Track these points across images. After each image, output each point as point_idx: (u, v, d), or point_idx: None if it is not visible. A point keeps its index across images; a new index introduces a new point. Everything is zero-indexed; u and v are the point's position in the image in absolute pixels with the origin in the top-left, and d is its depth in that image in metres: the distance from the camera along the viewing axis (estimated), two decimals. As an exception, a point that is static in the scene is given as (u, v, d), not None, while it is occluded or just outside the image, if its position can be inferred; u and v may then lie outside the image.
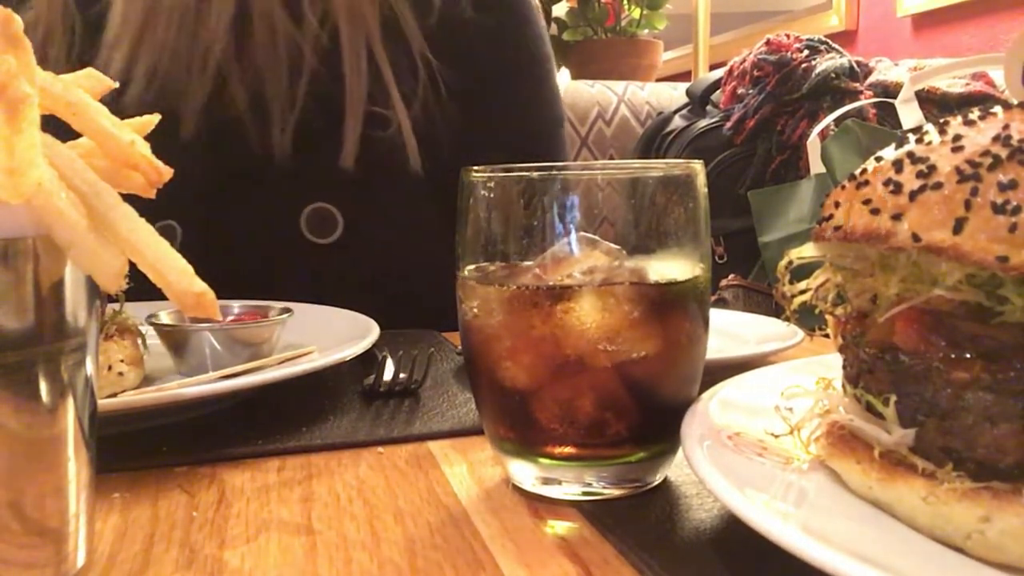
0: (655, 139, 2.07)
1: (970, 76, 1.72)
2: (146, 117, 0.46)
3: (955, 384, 0.40)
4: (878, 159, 0.45)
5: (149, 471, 0.58)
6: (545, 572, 0.44)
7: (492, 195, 0.53)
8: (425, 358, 0.80)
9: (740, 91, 1.94)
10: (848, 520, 0.41)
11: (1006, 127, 0.41)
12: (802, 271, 0.49)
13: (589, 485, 0.52)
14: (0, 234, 0.38)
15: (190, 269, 0.41)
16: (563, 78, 2.84)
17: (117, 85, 0.46)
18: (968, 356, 0.40)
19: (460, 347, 0.58)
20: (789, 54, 1.87)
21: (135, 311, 0.81)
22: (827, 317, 0.50)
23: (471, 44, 1.10)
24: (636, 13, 2.91)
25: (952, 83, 1.71)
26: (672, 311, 0.52)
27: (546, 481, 0.53)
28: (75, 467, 0.42)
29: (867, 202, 0.43)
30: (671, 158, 1.94)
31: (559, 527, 0.49)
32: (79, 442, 0.42)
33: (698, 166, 0.54)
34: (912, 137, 0.45)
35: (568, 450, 0.52)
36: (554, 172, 0.52)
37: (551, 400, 0.51)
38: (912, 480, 0.41)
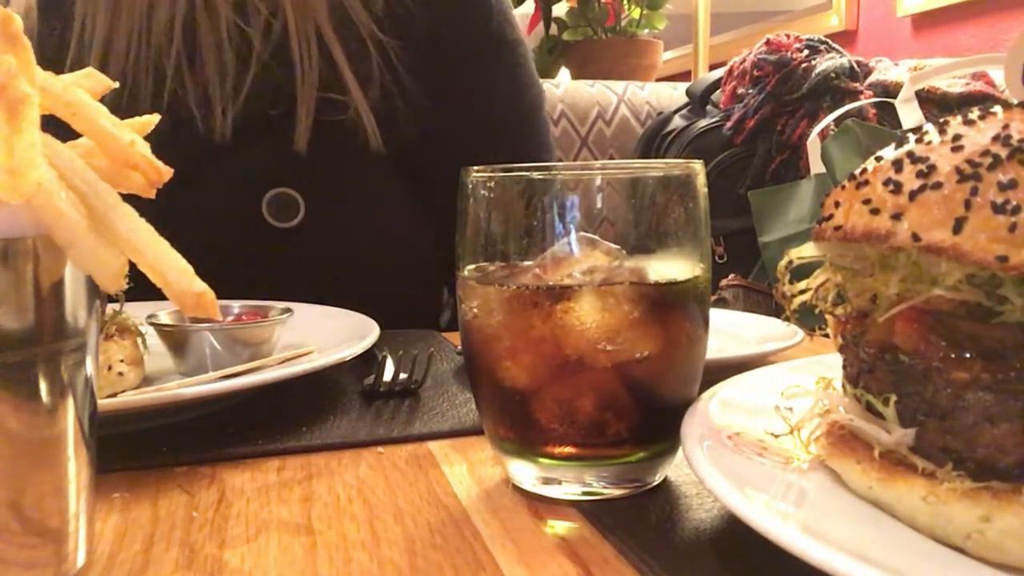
0: (655, 139, 2.07)
1: (970, 76, 1.72)
2: (146, 117, 0.46)
3: (955, 384, 0.40)
4: (878, 159, 0.45)
5: (149, 471, 0.58)
6: (545, 572, 0.44)
7: (492, 195, 0.53)
8: (425, 358, 0.80)
9: (740, 91, 1.94)
10: (848, 520, 0.41)
11: (1006, 127, 0.41)
12: (802, 271, 0.49)
13: (589, 485, 0.52)
14: (0, 234, 0.38)
15: (190, 269, 0.41)
16: (563, 78, 2.84)
17: (117, 85, 0.46)
18: (968, 356, 0.40)
19: (460, 347, 0.58)
20: (789, 54, 1.87)
21: (135, 311, 0.81)
22: (827, 317, 0.50)
23: (425, 27, 1.11)
24: (636, 13, 2.91)
25: (952, 83, 1.71)
26: (672, 311, 0.52)
27: (546, 481, 0.53)
28: (75, 467, 0.42)
29: (867, 202, 0.43)
30: (671, 158, 1.94)
31: (559, 527, 0.49)
32: (79, 442, 0.42)
33: (698, 166, 0.54)
34: (912, 137, 0.45)
35: (568, 450, 0.52)
36: (554, 172, 0.52)
37: (551, 400, 0.51)
38: (912, 480, 0.41)
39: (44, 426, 0.40)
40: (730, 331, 0.91)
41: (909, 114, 1.61)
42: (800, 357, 0.67)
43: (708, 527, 0.48)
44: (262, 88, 1.04)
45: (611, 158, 2.18)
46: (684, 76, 3.62)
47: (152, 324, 0.82)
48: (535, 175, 0.52)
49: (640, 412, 0.52)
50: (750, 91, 1.90)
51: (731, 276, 1.63)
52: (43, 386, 0.40)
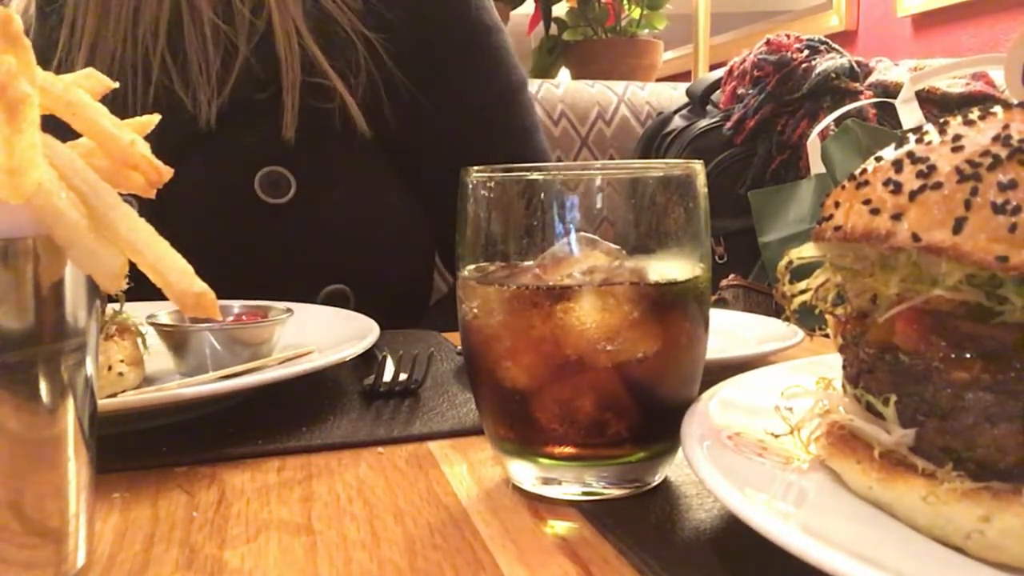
0: (655, 139, 2.07)
1: (970, 76, 1.72)
2: (146, 117, 0.46)
3: (955, 384, 0.40)
4: (878, 159, 0.45)
5: (149, 471, 0.58)
6: (545, 572, 0.44)
7: (492, 195, 0.53)
8: (425, 358, 0.80)
9: (740, 91, 1.94)
10: (848, 520, 0.41)
11: (1006, 127, 0.41)
12: (802, 271, 0.49)
13: (589, 485, 0.52)
14: (0, 234, 0.38)
15: (190, 269, 0.41)
16: (563, 78, 2.84)
17: (117, 85, 0.46)
18: (968, 356, 0.40)
19: (460, 347, 0.58)
20: (789, 54, 1.87)
21: (135, 311, 0.81)
22: (827, 317, 0.50)
23: (407, 18, 1.17)
24: (636, 13, 2.91)
25: (952, 83, 1.71)
26: (672, 311, 0.52)
27: (546, 481, 0.53)
28: (75, 467, 0.42)
29: (867, 202, 0.43)
30: (671, 158, 1.94)
31: (559, 527, 0.49)
32: (79, 442, 0.42)
33: (698, 166, 0.54)
34: (912, 137, 0.44)
35: (568, 450, 0.52)
36: (554, 172, 0.52)
37: (551, 400, 0.51)
38: (912, 480, 0.41)
39: (44, 426, 0.40)
40: (730, 331, 0.91)
41: (909, 114, 1.61)
42: (800, 357, 0.67)
43: (708, 527, 0.48)
44: (246, 77, 1.09)
45: (611, 158, 2.18)
46: (684, 76, 3.62)
47: (152, 324, 0.82)
48: (535, 175, 0.52)
49: (640, 412, 0.52)
50: (750, 91, 1.90)
51: (731, 276, 1.63)
52: (43, 386, 0.40)
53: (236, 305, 0.89)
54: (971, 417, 0.40)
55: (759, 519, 0.38)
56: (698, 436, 0.48)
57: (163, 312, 0.83)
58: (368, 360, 0.85)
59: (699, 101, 2.07)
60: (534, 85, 2.17)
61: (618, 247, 0.52)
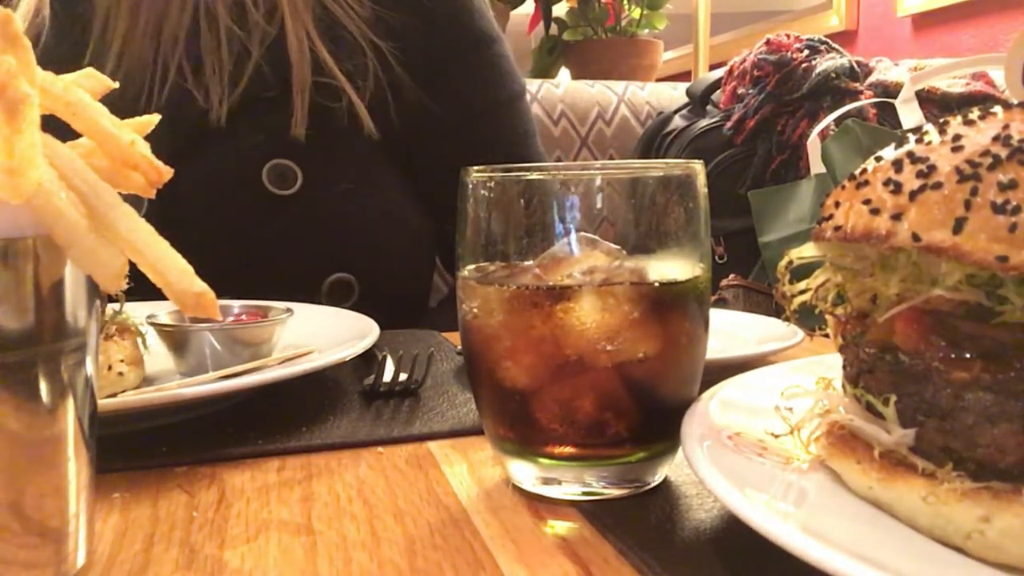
0: (655, 139, 2.07)
1: (970, 76, 1.71)
2: (146, 117, 0.46)
3: (955, 384, 0.40)
4: (878, 159, 0.45)
5: (149, 471, 0.58)
6: (545, 572, 0.44)
7: (492, 195, 0.53)
8: (425, 358, 0.80)
9: (740, 91, 1.94)
10: (848, 520, 0.41)
11: (1006, 127, 0.41)
12: (802, 271, 0.49)
13: (589, 485, 0.52)
14: (0, 234, 0.38)
15: (190, 269, 0.41)
16: (563, 78, 2.84)
17: (117, 85, 0.46)
18: (968, 356, 0.40)
19: (460, 347, 0.58)
20: (789, 54, 1.86)
21: (135, 311, 0.81)
22: (827, 317, 0.50)
23: (414, 27, 1.22)
24: (636, 13, 2.91)
25: (952, 83, 1.71)
26: (672, 311, 0.52)
27: (546, 481, 0.53)
28: (75, 467, 0.42)
29: (867, 202, 0.43)
30: (671, 158, 1.94)
31: (559, 527, 0.49)
32: (79, 442, 0.42)
33: (698, 166, 0.54)
34: (912, 137, 0.44)
35: (568, 450, 0.52)
36: (554, 172, 0.52)
37: (551, 400, 0.51)
38: (912, 480, 0.41)
39: (44, 426, 0.40)
40: (730, 331, 0.91)
41: (909, 114, 1.61)
42: (800, 357, 0.67)
43: (708, 527, 0.48)
44: (257, 78, 1.15)
45: (611, 158, 2.18)
46: (684, 76, 3.62)
47: (152, 324, 0.82)
48: (535, 175, 0.52)
49: (640, 412, 0.52)
50: (750, 91, 1.90)
51: (731, 276, 1.63)
52: (43, 386, 0.40)
53: (236, 305, 0.89)
54: (971, 417, 0.40)
55: (759, 519, 0.38)
56: (698, 436, 0.48)
57: (163, 312, 0.83)
58: (368, 360, 0.85)
59: (699, 101, 2.07)
60: (534, 85, 2.17)
61: (618, 247, 0.52)
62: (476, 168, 0.54)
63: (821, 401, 0.49)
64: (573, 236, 0.51)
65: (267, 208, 1.15)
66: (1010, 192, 0.38)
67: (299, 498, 0.54)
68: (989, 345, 0.40)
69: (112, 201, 0.40)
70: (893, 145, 0.45)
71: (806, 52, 1.86)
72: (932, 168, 0.41)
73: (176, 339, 0.81)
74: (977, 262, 0.37)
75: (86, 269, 0.40)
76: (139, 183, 0.43)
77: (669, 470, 0.55)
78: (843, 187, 0.46)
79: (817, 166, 1.59)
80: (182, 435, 0.65)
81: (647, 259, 0.52)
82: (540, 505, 0.52)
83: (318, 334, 0.85)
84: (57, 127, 0.41)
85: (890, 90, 1.76)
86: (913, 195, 0.41)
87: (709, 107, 2.06)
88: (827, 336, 0.51)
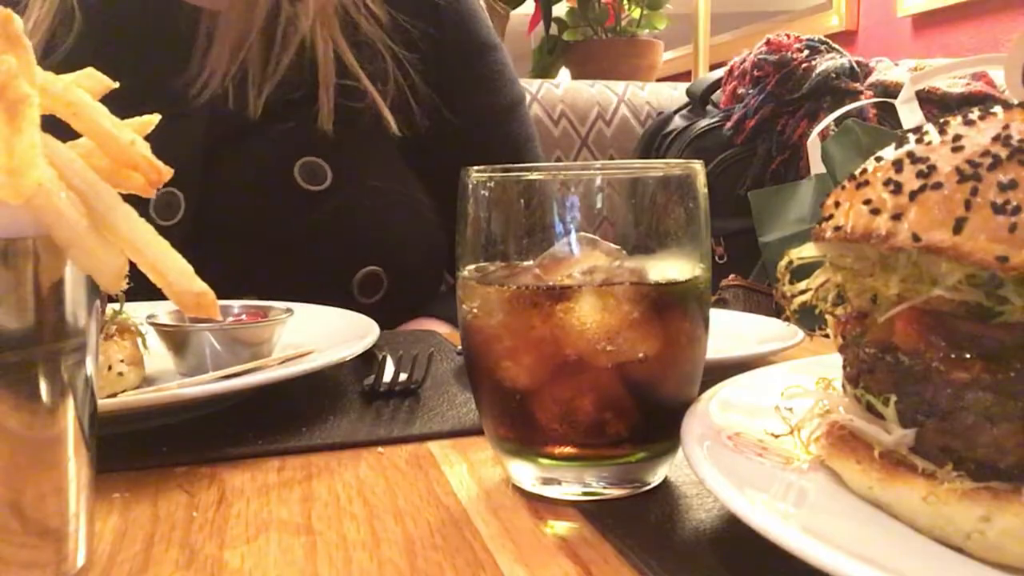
0: (655, 139, 2.07)
1: (970, 76, 1.72)
2: (146, 117, 0.46)
3: (955, 384, 0.40)
4: (878, 159, 0.45)
5: (149, 471, 0.58)
6: (545, 572, 0.44)
7: (492, 195, 0.53)
8: (425, 358, 0.80)
9: (740, 91, 1.94)
10: (848, 520, 0.41)
11: (1006, 127, 0.41)
12: (802, 271, 0.49)
13: (589, 485, 0.52)
14: (0, 234, 0.38)
15: (190, 269, 0.41)
16: (563, 78, 2.84)
17: (117, 85, 0.46)
18: (968, 356, 0.40)
19: (460, 347, 0.58)
20: (789, 54, 1.86)
21: (135, 311, 0.81)
22: (827, 317, 0.50)
23: (428, 34, 1.31)
24: (636, 13, 2.91)
25: (952, 83, 1.71)
26: (672, 311, 0.52)
27: (546, 481, 0.53)
28: (75, 467, 0.42)
29: (867, 202, 0.43)
30: (671, 158, 1.94)
31: (559, 527, 0.49)
32: (79, 442, 0.42)
33: (698, 166, 0.54)
34: (912, 137, 0.44)
35: (568, 450, 0.52)
36: (554, 172, 0.52)
37: (551, 400, 0.51)
38: (912, 480, 0.41)
39: (44, 426, 0.40)
40: (730, 331, 0.91)
41: (909, 114, 1.61)
42: (800, 357, 0.67)
43: (708, 527, 0.48)
44: (286, 79, 1.22)
45: (611, 158, 2.18)
46: (684, 76, 3.62)
47: (152, 324, 0.82)
48: (535, 175, 0.52)
49: (640, 412, 0.52)
50: (750, 91, 1.90)
51: (731, 276, 1.63)
52: (43, 386, 0.40)
53: (236, 305, 0.89)
54: (971, 417, 0.40)
55: (759, 519, 0.38)
56: (698, 436, 0.48)
57: (163, 312, 0.83)
58: (368, 360, 0.85)
59: (699, 101, 2.07)
60: (534, 85, 2.17)
61: (618, 247, 0.52)
62: (476, 168, 0.54)
63: (821, 401, 0.49)
64: (573, 236, 0.51)
65: (300, 204, 1.20)
66: (1010, 192, 0.38)
67: (299, 498, 0.54)
68: (989, 345, 0.40)
69: (112, 201, 0.40)
70: (893, 145, 0.45)
71: (806, 52, 1.87)
72: (932, 168, 0.41)
73: (176, 339, 0.81)
74: (977, 262, 0.37)
75: (86, 269, 0.40)
76: (139, 183, 0.43)
77: (669, 470, 0.55)
78: (843, 187, 0.46)
79: (817, 166, 1.59)
80: (182, 435, 0.65)
81: (647, 259, 0.52)
82: (540, 505, 0.52)
83: (318, 334, 0.85)
84: (57, 127, 0.41)
85: (890, 90, 1.76)
86: (913, 195, 0.41)
87: (709, 107, 2.06)
88: (827, 336, 0.51)
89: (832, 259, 0.48)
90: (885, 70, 1.86)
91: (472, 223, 0.54)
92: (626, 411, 0.51)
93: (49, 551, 0.41)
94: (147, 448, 0.62)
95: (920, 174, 0.41)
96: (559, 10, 2.97)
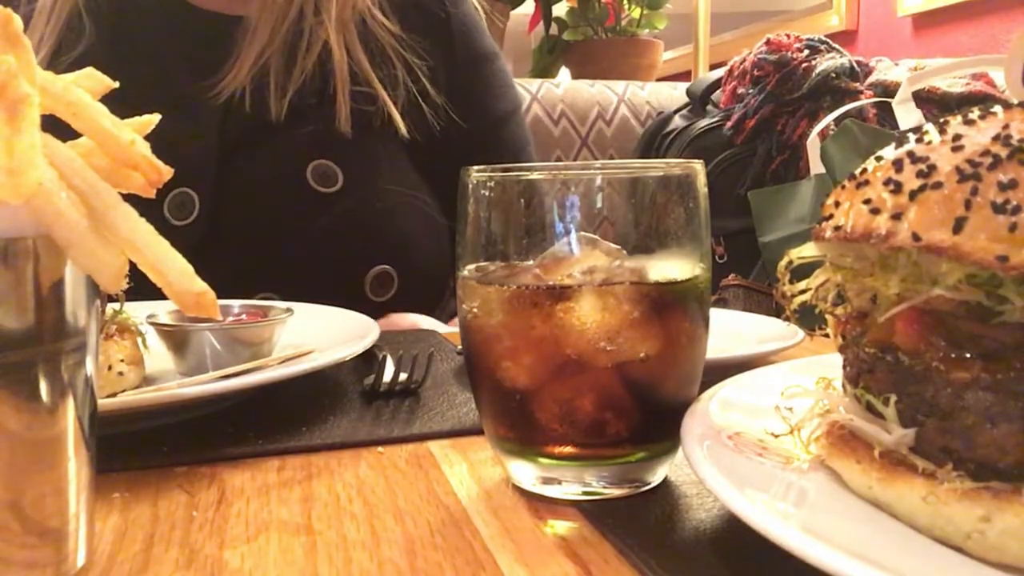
0: (655, 139, 2.07)
1: (970, 76, 1.72)
2: (146, 117, 0.46)
3: (955, 384, 0.40)
4: (878, 159, 0.45)
5: (149, 471, 0.58)
6: (545, 572, 0.44)
7: (492, 195, 0.53)
8: (425, 358, 0.80)
9: (740, 91, 1.94)
10: (848, 520, 0.41)
11: (1006, 127, 0.41)
12: (802, 271, 0.49)
13: (589, 485, 0.52)
14: (0, 234, 0.38)
15: (190, 269, 0.41)
16: (563, 78, 2.83)
17: (117, 85, 0.46)
18: (968, 356, 0.40)
19: (460, 347, 0.58)
20: (789, 54, 1.86)
21: (135, 311, 0.81)
22: (827, 317, 0.50)
23: (438, 42, 1.37)
24: (636, 13, 2.91)
25: (952, 83, 1.71)
26: (672, 311, 0.52)
27: (546, 481, 0.53)
28: (75, 467, 0.42)
29: (867, 202, 0.43)
30: (671, 158, 1.94)
31: (559, 527, 0.49)
32: (79, 442, 0.42)
33: (698, 166, 0.54)
34: (912, 137, 0.44)
35: (568, 450, 0.52)
36: (554, 172, 0.52)
37: (551, 400, 0.51)
38: (912, 480, 0.41)
39: (44, 426, 0.40)
40: (730, 331, 0.91)
41: (906, 115, 1.61)
42: (800, 357, 0.67)
43: (708, 527, 0.48)
44: (306, 81, 1.27)
45: (611, 158, 2.18)
46: (684, 76, 3.62)
47: (152, 324, 0.82)
48: (535, 175, 0.52)
49: (640, 412, 0.52)
50: (750, 91, 1.90)
51: (731, 276, 1.63)
52: (43, 386, 0.40)
53: (236, 305, 0.88)
54: (971, 417, 0.40)
55: (759, 519, 0.38)
56: (698, 436, 0.48)
57: (163, 312, 0.83)
58: (368, 360, 0.85)
59: (699, 101, 2.07)
60: (534, 85, 2.17)
61: (618, 247, 0.52)
62: (476, 168, 0.54)
63: (821, 401, 0.49)
64: (573, 236, 0.51)
65: (312, 206, 1.23)
66: (1010, 192, 0.38)
67: (299, 498, 0.54)
68: (989, 345, 0.40)
69: (112, 201, 0.40)
70: (893, 145, 0.45)
71: (806, 52, 1.87)
72: (932, 168, 0.41)
73: (176, 339, 0.81)
74: (977, 262, 0.37)
75: (86, 269, 0.40)
76: (139, 183, 0.43)
77: (669, 470, 0.55)
78: (843, 187, 0.46)
79: (817, 166, 1.59)
80: (182, 435, 0.65)
81: (647, 259, 0.52)
82: (540, 505, 0.52)
83: (318, 334, 0.85)
84: (57, 127, 0.41)
85: (890, 90, 1.76)
86: (913, 195, 0.41)
87: (709, 107, 2.06)
88: (827, 336, 0.51)
89: (832, 259, 0.48)
90: (885, 70, 1.86)
91: (472, 223, 0.54)
92: (626, 411, 0.51)
93: (49, 551, 0.41)
94: (147, 448, 0.62)
95: (920, 174, 0.41)
96: (559, 10, 2.97)
